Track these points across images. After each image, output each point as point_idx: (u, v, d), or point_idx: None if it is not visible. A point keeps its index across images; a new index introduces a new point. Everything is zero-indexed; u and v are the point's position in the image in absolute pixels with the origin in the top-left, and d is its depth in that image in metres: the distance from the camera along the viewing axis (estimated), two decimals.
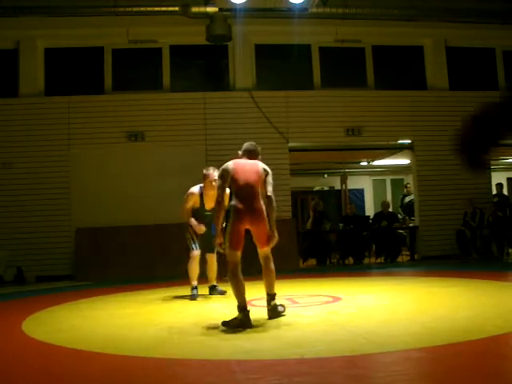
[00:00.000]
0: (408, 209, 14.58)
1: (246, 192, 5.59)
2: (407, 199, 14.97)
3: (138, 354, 4.09)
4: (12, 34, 12.65)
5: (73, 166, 12.46)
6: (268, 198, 5.66)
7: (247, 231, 5.56)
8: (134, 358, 3.98)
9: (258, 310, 6.01)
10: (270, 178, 5.82)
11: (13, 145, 12.26)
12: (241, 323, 5.13)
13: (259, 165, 5.94)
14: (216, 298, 7.58)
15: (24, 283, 11.40)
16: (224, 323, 5.19)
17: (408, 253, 13.83)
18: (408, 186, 15.36)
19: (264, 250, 5.61)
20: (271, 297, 5.64)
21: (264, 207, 5.59)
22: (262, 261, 5.65)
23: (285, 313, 5.73)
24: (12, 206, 12.05)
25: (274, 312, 5.61)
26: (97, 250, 11.79)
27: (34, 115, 12.42)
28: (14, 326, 5.56)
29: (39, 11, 12.06)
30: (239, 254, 5.43)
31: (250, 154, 6.11)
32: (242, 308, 5.24)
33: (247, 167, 5.86)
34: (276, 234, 5.56)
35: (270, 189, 5.72)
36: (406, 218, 14.18)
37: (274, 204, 5.65)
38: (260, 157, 6.20)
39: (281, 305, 5.78)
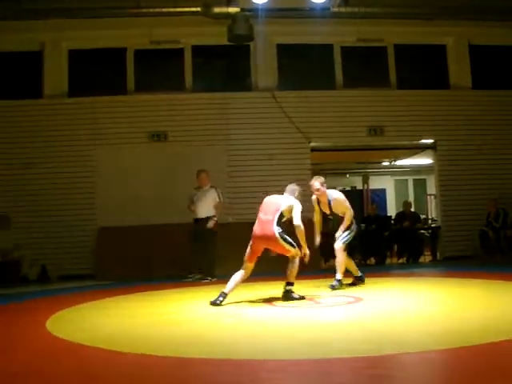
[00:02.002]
0: None
1: (261, 221, 7.09)
2: None
3: (159, 353, 4.12)
4: (37, 36, 12.81)
5: (97, 166, 12.57)
6: (295, 227, 7.09)
7: None
8: (156, 357, 4.01)
9: (280, 311, 6.06)
10: (295, 211, 7.12)
11: (38, 145, 12.41)
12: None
13: (283, 200, 7.27)
14: (235, 296, 7.59)
15: (48, 282, 11.52)
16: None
17: (429, 253, 13.72)
18: None
19: (288, 256, 7.06)
20: (287, 283, 6.94)
21: (276, 232, 6.93)
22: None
23: (295, 300, 6.73)
24: (37, 205, 12.19)
25: (286, 296, 6.83)
26: (119, 249, 11.85)
27: (58, 116, 12.57)
28: (38, 325, 5.63)
29: (63, 13, 12.19)
30: (250, 265, 7.12)
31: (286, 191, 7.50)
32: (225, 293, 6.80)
33: (271, 200, 7.33)
34: (306, 251, 7.11)
35: (295, 219, 7.08)
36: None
37: (300, 229, 7.05)
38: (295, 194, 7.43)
39: (291, 292, 6.87)
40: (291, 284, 6.94)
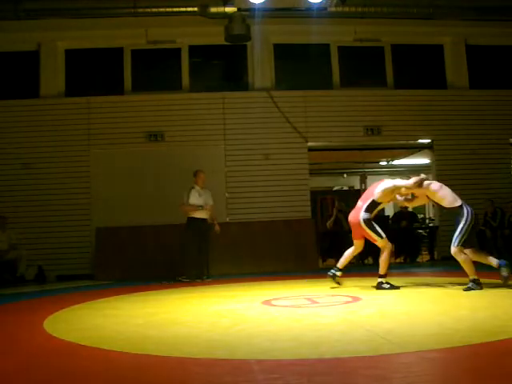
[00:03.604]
0: None
1: (355, 208, 7.73)
2: None
3: (158, 353, 4.11)
4: (33, 35, 12.80)
5: (93, 166, 12.57)
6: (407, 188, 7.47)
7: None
8: (155, 357, 4.00)
9: (278, 310, 6.05)
10: (399, 183, 7.54)
11: (34, 145, 12.39)
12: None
13: (381, 185, 7.62)
14: (234, 296, 7.57)
15: (45, 282, 11.50)
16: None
17: (426, 253, 13.74)
18: None
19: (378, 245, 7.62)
20: (379, 276, 7.48)
21: (361, 218, 7.49)
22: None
23: (388, 288, 7.30)
24: (33, 205, 12.18)
25: (378, 286, 7.40)
26: (116, 250, 11.85)
27: (55, 116, 12.56)
28: (35, 325, 5.61)
29: (60, 13, 12.19)
30: (356, 241, 7.87)
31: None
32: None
33: (370, 187, 7.87)
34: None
35: (405, 185, 7.44)
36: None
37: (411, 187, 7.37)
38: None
39: (387, 282, 7.41)
40: (382, 276, 7.43)
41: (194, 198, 10.28)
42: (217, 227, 10.41)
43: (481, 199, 12.80)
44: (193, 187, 10.40)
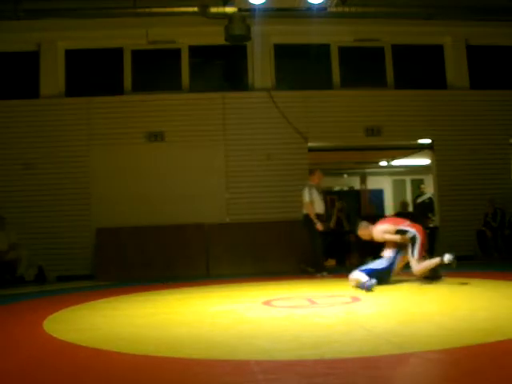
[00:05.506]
0: (419, 208, 14.50)
1: None
2: (420, 199, 14.84)
3: (158, 353, 4.11)
4: (33, 36, 12.79)
5: (93, 167, 12.55)
6: None
7: None
8: (154, 358, 3.99)
9: (277, 311, 6.04)
10: None
11: (34, 145, 12.39)
12: None
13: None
14: (234, 296, 7.57)
15: (45, 282, 11.49)
16: None
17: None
18: (422, 186, 15.33)
19: None
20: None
21: None
22: None
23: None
24: (33, 205, 12.17)
25: None
26: (117, 250, 11.85)
27: (55, 116, 12.56)
28: (35, 325, 5.61)
29: (60, 13, 12.17)
30: None
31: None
32: None
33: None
34: None
35: None
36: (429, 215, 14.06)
37: None
38: None
39: None
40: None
41: (314, 196, 10.47)
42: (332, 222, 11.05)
43: (481, 199, 12.81)
44: (311, 185, 10.56)
